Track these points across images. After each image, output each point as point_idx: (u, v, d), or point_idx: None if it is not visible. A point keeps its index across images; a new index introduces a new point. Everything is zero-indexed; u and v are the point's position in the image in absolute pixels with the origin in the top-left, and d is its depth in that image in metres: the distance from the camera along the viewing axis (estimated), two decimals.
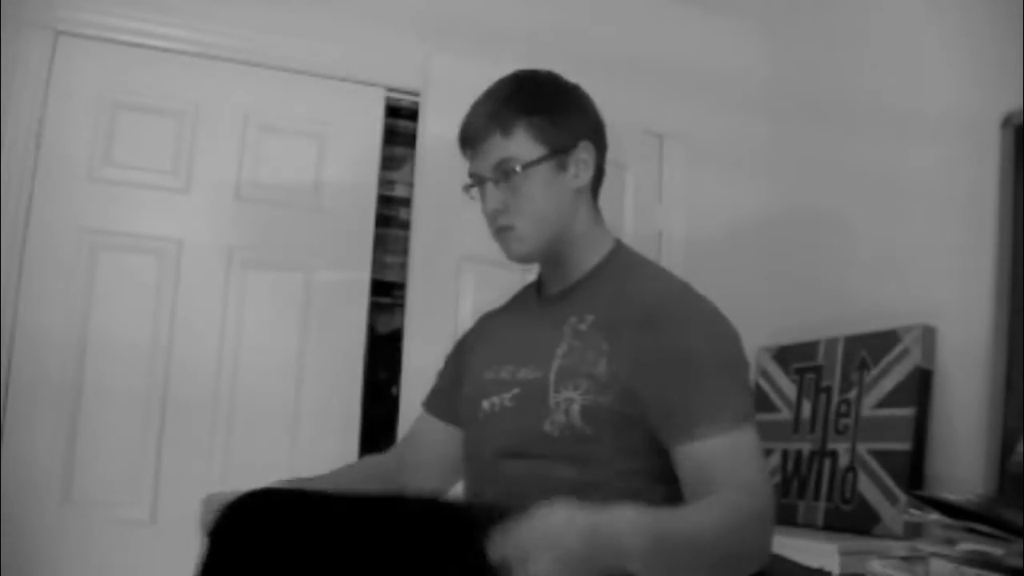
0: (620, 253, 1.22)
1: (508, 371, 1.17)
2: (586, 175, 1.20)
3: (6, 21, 1.86)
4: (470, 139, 1.19)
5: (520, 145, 1.15)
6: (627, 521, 0.89)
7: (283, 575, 0.99)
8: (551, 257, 1.20)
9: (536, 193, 1.16)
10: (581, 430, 1.07)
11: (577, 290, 1.19)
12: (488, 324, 1.34)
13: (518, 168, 1.15)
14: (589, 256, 1.20)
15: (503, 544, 0.84)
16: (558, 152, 1.17)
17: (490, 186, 1.17)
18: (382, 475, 1.30)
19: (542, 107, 1.17)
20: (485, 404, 1.17)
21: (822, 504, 1.90)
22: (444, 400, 1.32)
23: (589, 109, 1.23)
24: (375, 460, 1.38)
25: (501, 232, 1.18)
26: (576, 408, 1.08)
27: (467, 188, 1.23)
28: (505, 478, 1.13)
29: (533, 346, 1.16)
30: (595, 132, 1.22)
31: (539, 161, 1.16)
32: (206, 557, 1.06)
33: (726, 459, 1.01)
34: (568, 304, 1.18)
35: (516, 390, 1.14)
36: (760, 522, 0.99)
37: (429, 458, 1.31)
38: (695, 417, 1.02)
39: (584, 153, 1.19)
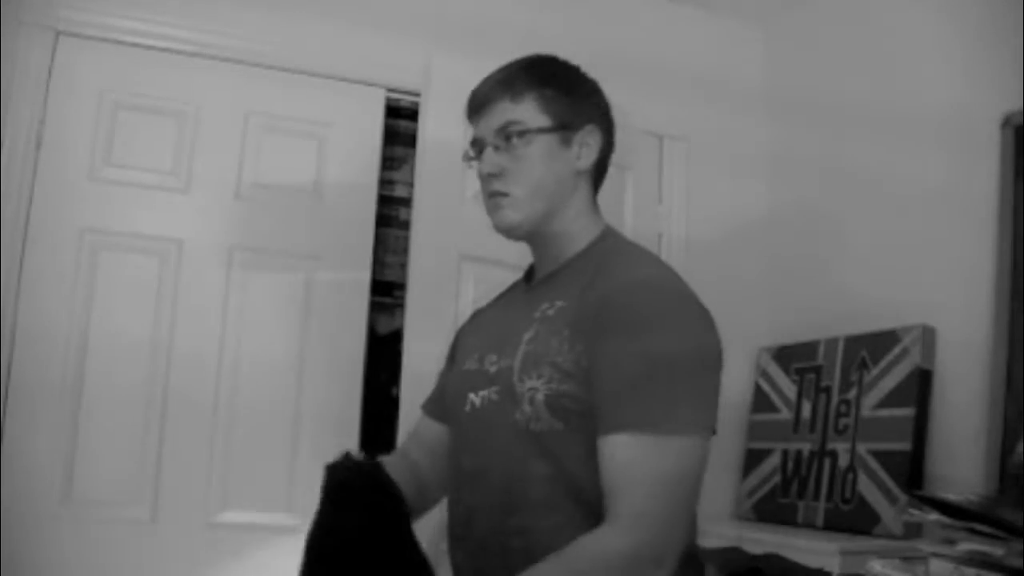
0: (607, 239, 1.18)
1: (491, 361, 1.13)
2: (588, 158, 1.18)
3: (6, 21, 1.86)
4: (478, 103, 1.17)
5: (527, 111, 1.14)
6: None
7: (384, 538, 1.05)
8: (539, 237, 1.17)
9: (536, 161, 1.14)
10: (549, 421, 1.03)
11: (558, 275, 1.16)
12: (479, 317, 1.33)
13: (523, 131, 1.13)
14: (576, 242, 1.17)
15: None
16: (564, 128, 1.15)
17: (490, 150, 1.15)
18: (417, 476, 1.27)
19: (554, 82, 1.16)
20: (472, 397, 1.14)
21: (822, 504, 1.90)
22: (440, 402, 1.30)
23: (601, 99, 1.22)
24: (410, 459, 1.32)
25: (493, 198, 1.15)
26: (540, 398, 1.04)
27: (467, 157, 1.21)
28: (484, 477, 1.10)
29: (507, 333, 1.13)
30: (604, 120, 1.20)
31: (544, 131, 1.14)
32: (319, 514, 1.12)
33: (634, 467, 0.96)
34: (546, 289, 1.15)
35: (497, 384, 1.11)
36: (629, 564, 0.94)
37: (433, 461, 1.28)
38: (622, 408, 0.98)
39: (590, 137, 1.17)
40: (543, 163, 1.14)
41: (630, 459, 0.96)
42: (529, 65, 1.18)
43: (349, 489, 1.12)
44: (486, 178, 1.15)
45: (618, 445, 0.97)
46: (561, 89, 1.16)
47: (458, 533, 1.15)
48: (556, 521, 1.03)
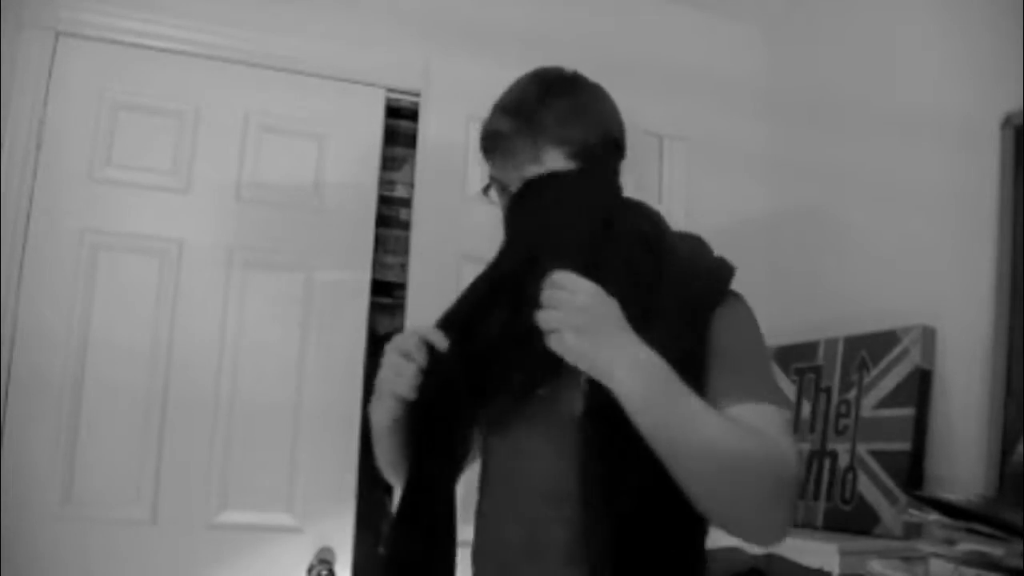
0: None
1: None
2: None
3: (6, 21, 1.86)
4: (498, 144, 1.16)
5: (552, 160, 1.12)
6: (649, 355, 0.94)
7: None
8: None
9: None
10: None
11: None
12: None
13: None
14: None
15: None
16: (590, 162, 1.14)
17: None
18: None
19: (573, 117, 1.13)
20: None
21: (822, 504, 1.90)
22: None
23: (617, 117, 1.20)
24: None
25: None
26: None
27: (486, 190, 1.20)
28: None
29: None
30: (621, 137, 1.20)
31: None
32: None
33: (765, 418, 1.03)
34: None
35: None
36: (786, 478, 0.98)
37: None
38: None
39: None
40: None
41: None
42: (541, 106, 1.14)
43: None
44: None
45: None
46: (581, 122, 1.14)
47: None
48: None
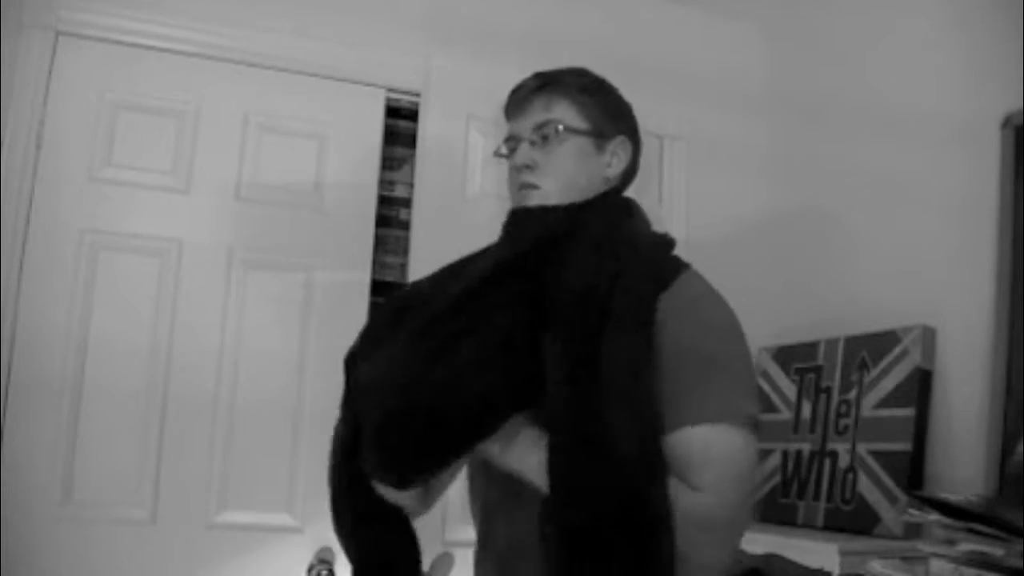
0: None
1: None
2: (618, 167, 1.23)
3: (6, 21, 1.86)
4: (518, 100, 1.21)
5: (565, 112, 1.18)
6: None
7: None
8: None
9: (569, 159, 1.18)
10: None
11: None
12: None
13: (560, 128, 1.17)
14: None
15: None
16: (599, 134, 1.20)
17: (525, 145, 1.19)
18: None
19: (593, 91, 1.21)
20: None
21: (822, 504, 1.90)
22: None
23: (633, 120, 1.28)
24: None
25: (523, 189, 1.18)
26: None
27: (499, 153, 1.24)
28: None
29: None
30: (634, 137, 1.26)
31: (580, 132, 1.18)
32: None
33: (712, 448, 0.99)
34: None
35: None
36: (715, 524, 0.96)
37: None
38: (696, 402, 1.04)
39: (621, 148, 1.23)
40: (576, 161, 1.18)
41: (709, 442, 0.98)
42: (568, 72, 1.22)
43: None
44: (519, 169, 1.18)
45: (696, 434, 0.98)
46: (599, 99, 1.21)
47: None
48: None
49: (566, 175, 1.17)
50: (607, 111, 1.22)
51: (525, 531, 1.07)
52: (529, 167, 1.17)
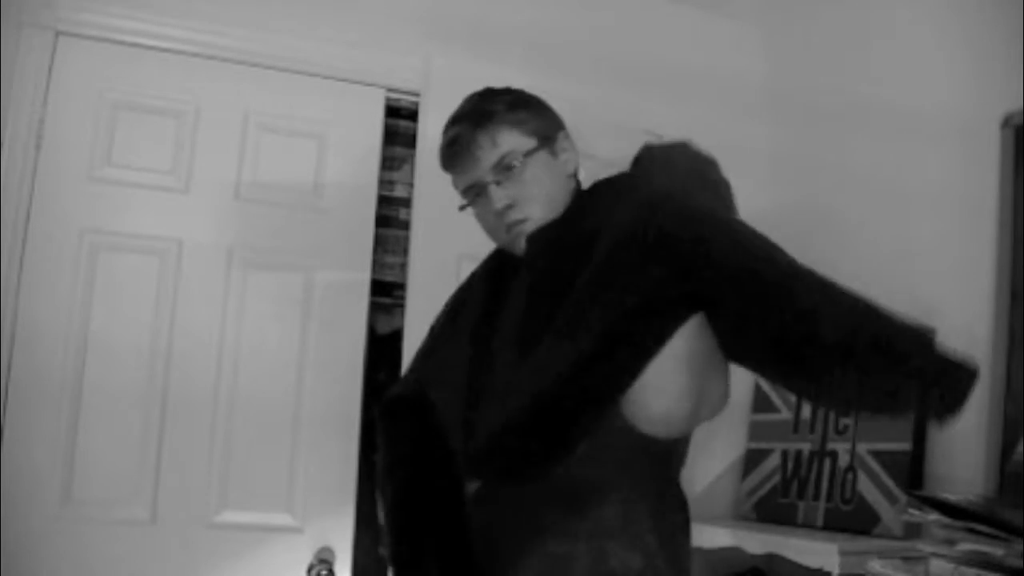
0: None
1: None
2: (574, 161, 1.26)
3: (6, 21, 1.86)
4: (459, 151, 1.22)
5: (512, 139, 1.20)
6: None
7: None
8: None
9: (539, 179, 1.20)
10: None
11: None
12: None
13: (519, 160, 1.19)
14: None
15: None
16: (546, 141, 1.22)
17: (492, 188, 1.20)
18: None
19: (516, 104, 1.23)
20: None
21: (822, 504, 1.90)
22: None
23: (550, 108, 1.29)
24: None
25: (514, 227, 1.20)
26: None
27: (464, 206, 1.26)
28: None
29: None
30: (560, 121, 1.29)
31: (534, 151, 1.21)
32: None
33: None
34: None
35: None
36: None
37: None
38: None
39: (566, 142, 1.26)
40: (545, 177, 1.21)
41: None
42: (486, 100, 1.24)
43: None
44: (501, 212, 1.20)
45: None
46: (526, 109, 1.23)
47: None
48: None
49: (544, 194, 1.20)
50: (538, 115, 1.24)
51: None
52: (511, 206, 1.19)
